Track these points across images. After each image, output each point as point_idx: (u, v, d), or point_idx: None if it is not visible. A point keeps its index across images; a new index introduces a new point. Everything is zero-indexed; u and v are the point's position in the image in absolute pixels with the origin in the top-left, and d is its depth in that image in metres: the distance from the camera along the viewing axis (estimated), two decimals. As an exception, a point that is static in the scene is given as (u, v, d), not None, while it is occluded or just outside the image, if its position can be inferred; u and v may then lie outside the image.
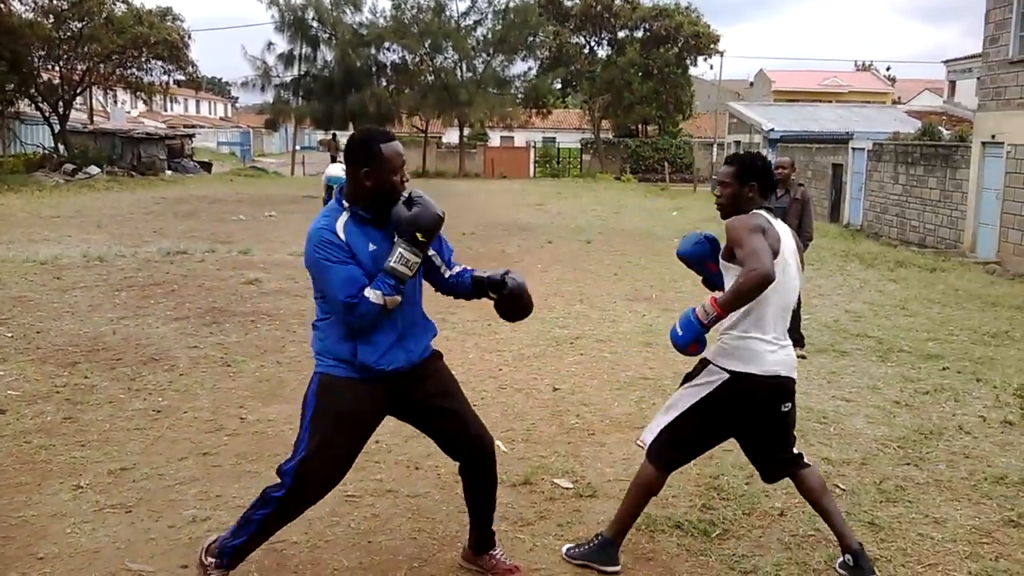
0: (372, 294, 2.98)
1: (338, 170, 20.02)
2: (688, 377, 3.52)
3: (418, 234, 3.01)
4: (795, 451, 3.57)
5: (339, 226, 3.04)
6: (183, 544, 3.63)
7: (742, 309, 3.27)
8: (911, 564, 3.64)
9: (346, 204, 3.09)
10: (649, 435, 3.50)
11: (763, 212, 3.44)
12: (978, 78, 17.76)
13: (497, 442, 4.94)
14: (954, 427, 5.43)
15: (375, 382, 3.12)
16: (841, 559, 3.50)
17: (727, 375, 3.35)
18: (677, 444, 3.44)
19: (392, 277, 3.00)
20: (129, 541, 3.67)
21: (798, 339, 7.44)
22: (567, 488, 4.35)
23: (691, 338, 3.29)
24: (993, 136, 15.47)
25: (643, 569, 3.55)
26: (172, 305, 8.65)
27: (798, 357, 7.04)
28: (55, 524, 3.80)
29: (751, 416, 3.42)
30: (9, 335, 7.19)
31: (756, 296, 3.17)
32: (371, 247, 3.05)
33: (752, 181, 3.50)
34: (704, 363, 3.46)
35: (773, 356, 3.36)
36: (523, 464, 4.64)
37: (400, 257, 3.00)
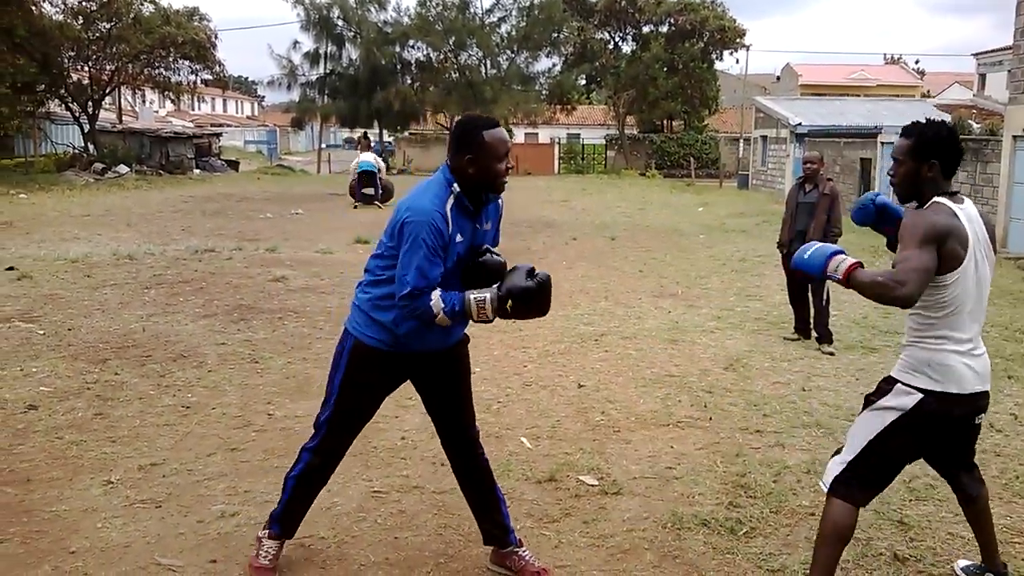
0: (435, 299, 2.94)
1: (368, 157, 20.74)
2: (870, 400, 3.09)
3: (510, 304, 2.96)
4: (975, 465, 3.29)
5: (448, 211, 2.99)
6: (212, 539, 3.67)
7: (934, 313, 2.86)
8: (941, 563, 3.60)
9: (456, 188, 3.03)
10: (830, 474, 3.07)
11: (945, 200, 2.86)
12: (1009, 71, 17.48)
13: (522, 438, 4.99)
14: (984, 425, 5.33)
15: (408, 355, 3.19)
16: (968, 563, 3.44)
17: (920, 395, 2.89)
18: (867, 479, 3.00)
19: (462, 305, 2.96)
20: (159, 536, 3.71)
21: (826, 335, 7.37)
22: (592, 485, 4.34)
23: (807, 271, 2.95)
24: (1025, 129, 15.23)
25: (669, 567, 3.53)
26: (200, 302, 8.73)
27: (826, 354, 7.11)
28: (86, 519, 3.86)
29: (945, 435, 3.02)
30: (41, 332, 7.29)
31: (880, 303, 2.79)
32: (459, 238, 3.04)
33: (933, 158, 2.87)
34: (890, 382, 3.01)
35: (971, 371, 2.89)
36: (548, 461, 4.64)
37: (484, 302, 2.96)
